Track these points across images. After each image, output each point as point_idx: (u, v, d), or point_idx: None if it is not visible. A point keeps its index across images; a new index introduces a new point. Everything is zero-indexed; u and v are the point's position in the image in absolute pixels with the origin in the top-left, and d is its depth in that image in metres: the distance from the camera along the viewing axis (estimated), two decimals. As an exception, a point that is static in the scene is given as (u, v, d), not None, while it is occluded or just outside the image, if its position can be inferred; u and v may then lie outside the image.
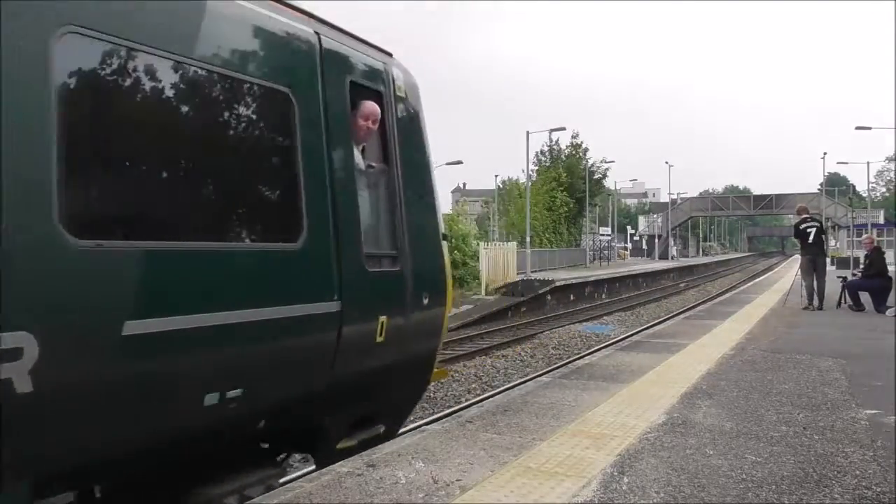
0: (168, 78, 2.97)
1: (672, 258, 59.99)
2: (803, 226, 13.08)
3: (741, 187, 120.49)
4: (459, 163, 27.91)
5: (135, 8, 2.85)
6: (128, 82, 2.84)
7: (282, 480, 3.98)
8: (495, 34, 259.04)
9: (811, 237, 12.96)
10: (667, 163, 66.23)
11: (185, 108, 3.15)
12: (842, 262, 33.59)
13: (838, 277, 14.13)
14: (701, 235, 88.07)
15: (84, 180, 2.67)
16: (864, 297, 12.95)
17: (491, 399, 5.99)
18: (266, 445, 4.13)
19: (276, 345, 3.47)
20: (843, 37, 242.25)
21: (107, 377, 2.67)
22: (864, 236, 17.36)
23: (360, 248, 4.01)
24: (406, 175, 4.58)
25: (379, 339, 4.17)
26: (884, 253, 13.79)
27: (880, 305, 12.42)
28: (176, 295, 2.94)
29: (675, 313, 18.84)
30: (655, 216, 75.20)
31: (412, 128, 4.84)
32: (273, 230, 3.63)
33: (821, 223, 13.66)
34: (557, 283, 25.90)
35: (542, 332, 18.07)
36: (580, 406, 5.31)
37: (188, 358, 3.01)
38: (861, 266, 13.95)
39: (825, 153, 56.67)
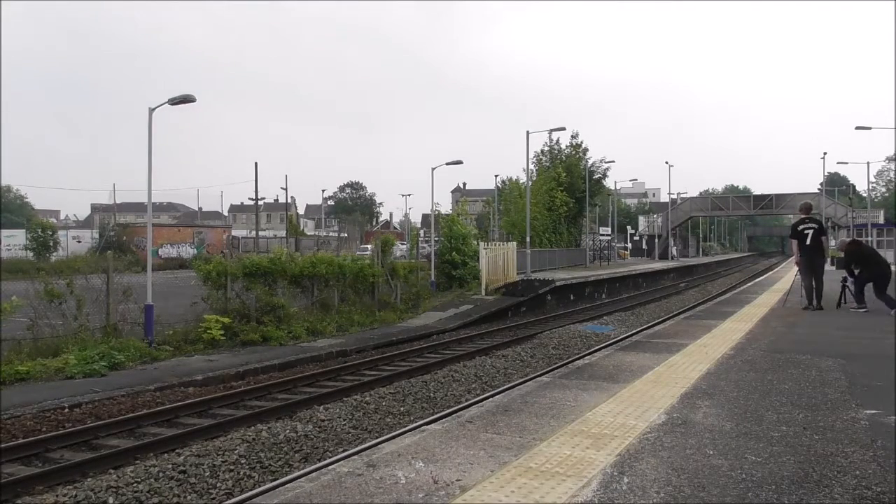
0: None
1: (672, 258, 59.95)
2: (801, 227, 12.94)
3: (741, 187, 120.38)
4: (459, 163, 27.79)
5: None
6: None
7: (282, 480, 3.98)
8: (496, 34, 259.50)
9: (808, 239, 12.83)
10: (667, 163, 66.36)
11: None
12: (841, 263, 33.53)
13: (842, 280, 14.07)
14: (701, 235, 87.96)
15: None
16: (867, 296, 12.89)
17: (491, 399, 5.98)
18: None
19: None
20: (843, 37, 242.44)
21: None
22: (839, 241, 17.36)
23: None
24: None
25: None
26: (860, 244, 13.86)
27: (881, 294, 12.29)
28: None
29: (675, 313, 18.82)
30: (655, 216, 75.09)
31: None
32: None
33: (821, 224, 13.53)
34: (557, 283, 25.91)
35: (542, 332, 18.07)
36: (580, 406, 5.31)
37: None
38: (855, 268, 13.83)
39: (825, 153, 56.94)
